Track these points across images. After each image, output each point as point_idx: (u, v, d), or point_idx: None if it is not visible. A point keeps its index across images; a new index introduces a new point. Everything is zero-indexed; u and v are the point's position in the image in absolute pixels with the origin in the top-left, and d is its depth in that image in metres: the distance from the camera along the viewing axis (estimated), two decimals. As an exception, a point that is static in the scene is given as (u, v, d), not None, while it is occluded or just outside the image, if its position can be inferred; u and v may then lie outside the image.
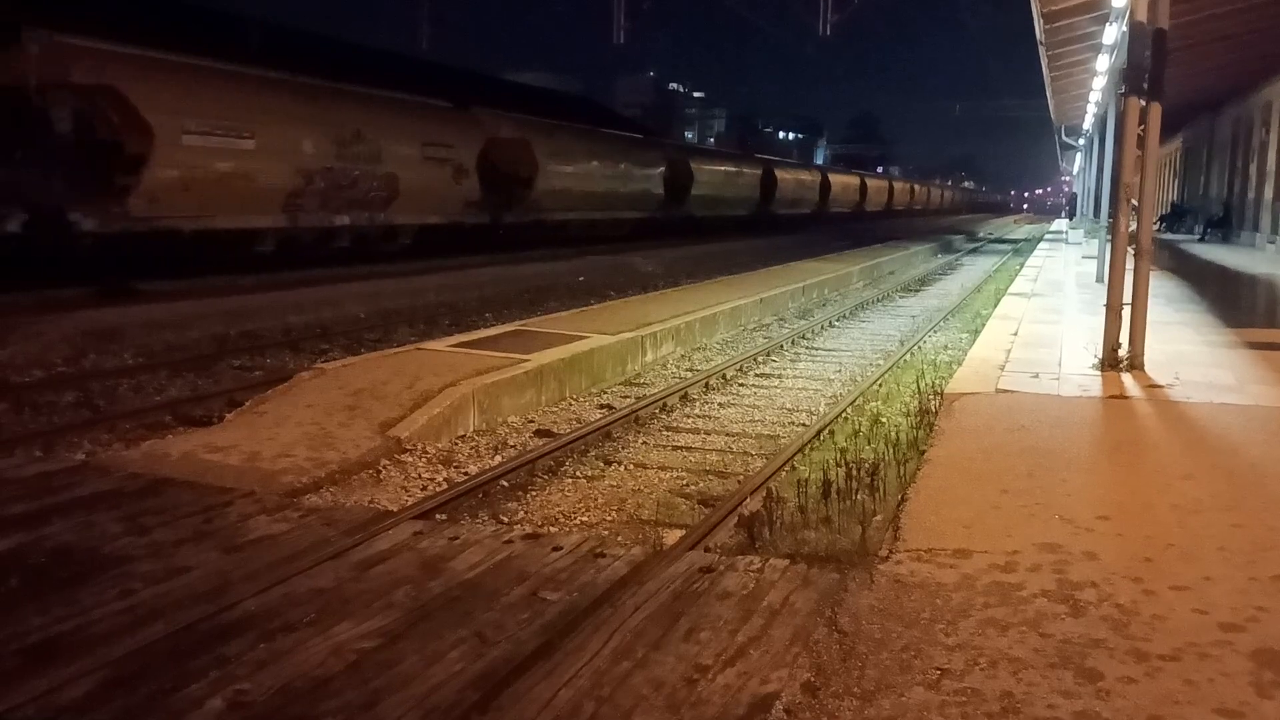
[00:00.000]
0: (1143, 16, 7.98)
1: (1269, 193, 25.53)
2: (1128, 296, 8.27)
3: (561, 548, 4.54)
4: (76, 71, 14.26)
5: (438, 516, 5.36)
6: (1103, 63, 17.61)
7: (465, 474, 6.46)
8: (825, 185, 52.69)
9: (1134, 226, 8.48)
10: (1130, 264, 8.36)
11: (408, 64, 31.95)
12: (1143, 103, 8.06)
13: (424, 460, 6.64)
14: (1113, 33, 14.35)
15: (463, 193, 22.06)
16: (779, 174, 43.50)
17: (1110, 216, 9.94)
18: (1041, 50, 17.65)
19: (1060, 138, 40.10)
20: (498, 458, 6.92)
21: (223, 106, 16.33)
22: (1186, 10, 14.03)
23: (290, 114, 17.78)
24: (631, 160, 31.14)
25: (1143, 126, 8.18)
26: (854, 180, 61.66)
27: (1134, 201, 8.52)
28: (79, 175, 14.16)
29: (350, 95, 19.72)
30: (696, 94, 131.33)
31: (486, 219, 23.10)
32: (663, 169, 32.60)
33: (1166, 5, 7.89)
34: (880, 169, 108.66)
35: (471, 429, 7.50)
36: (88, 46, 14.62)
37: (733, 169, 38.35)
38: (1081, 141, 35.62)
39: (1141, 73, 8.01)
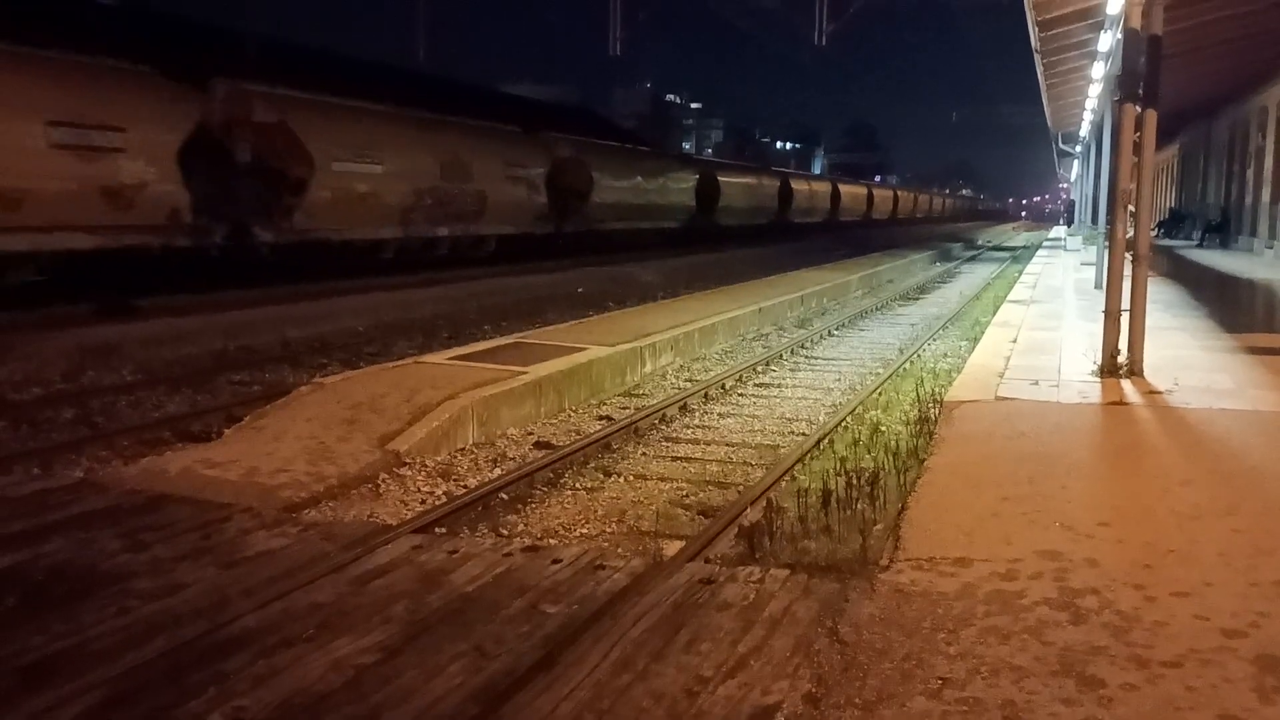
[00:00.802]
0: (1137, 24, 8.01)
1: (1266, 197, 25.56)
2: (1126, 302, 8.27)
3: (561, 560, 4.52)
4: (256, 112, 17.23)
5: (437, 530, 5.35)
6: (1098, 70, 17.65)
7: (464, 487, 6.46)
8: (836, 195, 55.05)
9: (1131, 232, 8.48)
10: (1128, 270, 8.36)
11: (469, 90, 37.60)
12: (1138, 109, 8.07)
13: (423, 474, 6.64)
14: (1108, 40, 14.39)
15: (535, 206, 25.39)
16: (794, 185, 46.50)
17: (1108, 223, 9.95)
18: (1037, 58, 17.67)
19: (1057, 145, 40.16)
20: (497, 470, 6.92)
21: (360, 138, 19.39)
22: (1180, 17, 14.06)
23: (407, 142, 20.81)
24: (669, 175, 34.61)
25: (1138, 133, 8.19)
26: (862, 190, 63.88)
27: (1131, 208, 8.53)
28: (259, 196, 17.13)
29: (450, 125, 23.02)
30: (694, 104, 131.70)
31: (551, 228, 26.49)
32: (695, 182, 35.71)
33: (1160, 12, 7.92)
34: (878, 177, 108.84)
35: (470, 442, 7.49)
36: (263, 91, 17.66)
37: (753, 181, 41.57)
38: (1079, 148, 35.67)
39: (1136, 79, 8.03)
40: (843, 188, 57.59)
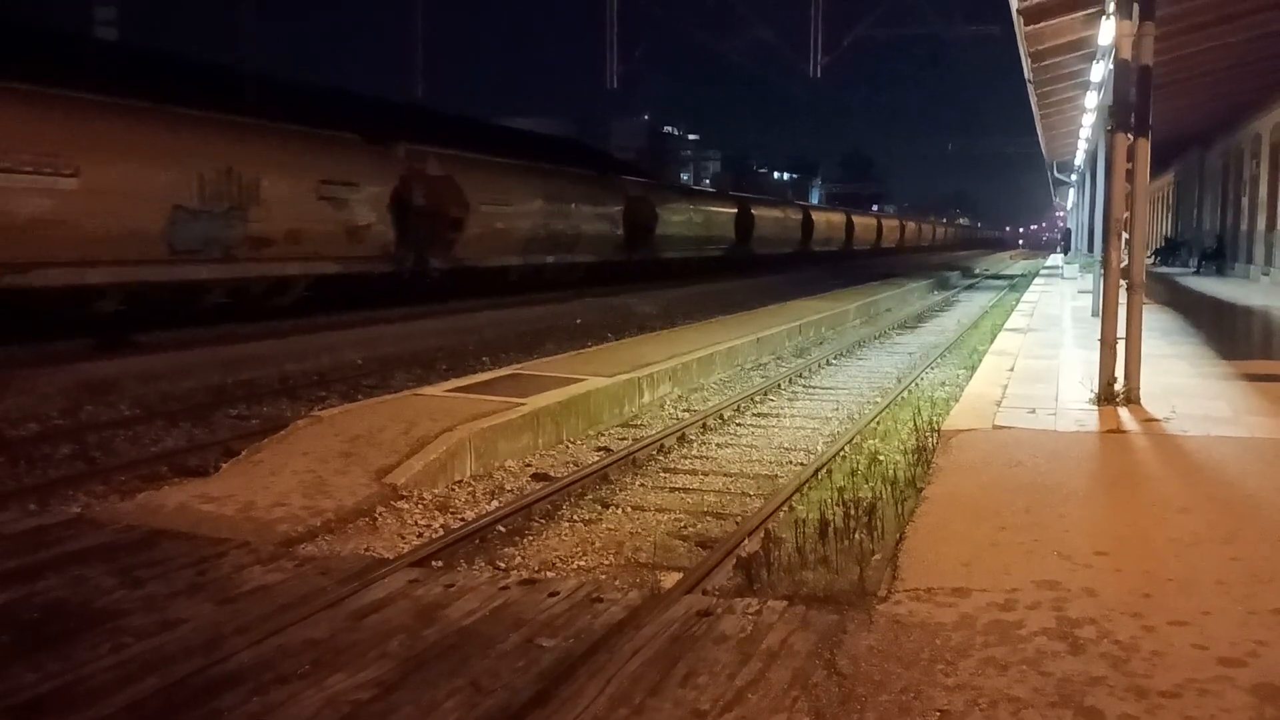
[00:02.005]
0: (1127, 55, 8.08)
1: (1262, 224, 25.68)
2: (1122, 331, 8.29)
3: (558, 593, 4.51)
4: (429, 167, 21.89)
5: (434, 564, 5.33)
6: (1091, 100, 17.76)
7: (462, 520, 6.44)
8: (850, 226, 60.54)
9: (1126, 260, 8.52)
10: (1124, 298, 8.39)
11: (558, 142, 46.71)
12: (1130, 139, 8.13)
13: (420, 507, 6.62)
14: (1100, 70, 14.50)
15: (614, 238, 30.93)
16: (815, 216, 53.04)
17: (1103, 251, 9.98)
18: (1030, 89, 17.81)
19: (1053, 173, 40.38)
20: (494, 503, 6.91)
21: (498, 185, 24.49)
22: (1171, 47, 14.19)
23: (528, 188, 26.07)
24: (713, 209, 40.21)
25: (1131, 162, 8.24)
26: (872, 221, 70.52)
27: (1125, 236, 8.57)
28: (432, 232, 21.66)
29: (553, 172, 28.37)
30: (691, 136, 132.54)
31: (625, 257, 31.70)
32: (734, 215, 41.04)
33: (1150, 44, 7.99)
34: (875, 207, 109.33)
35: (468, 474, 7.48)
36: (435, 151, 22.45)
37: (781, 214, 48.33)
38: (1074, 177, 35.86)
39: (1128, 109, 8.09)
40: (856, 219, 62.79)
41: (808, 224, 51.82)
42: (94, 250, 14.26)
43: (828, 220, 58.05)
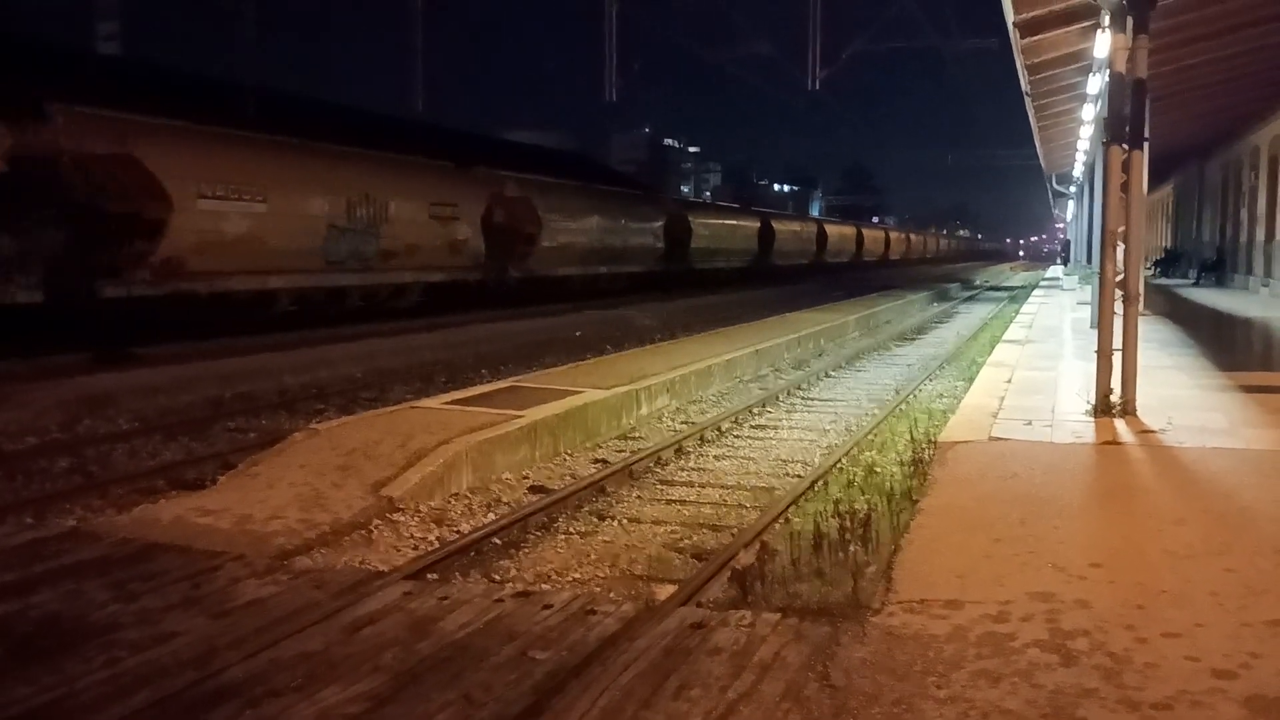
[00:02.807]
0: (1122, 68, 8.11)
1: (1261, 236, 25.71)
2: (1119, 342, 8.30)
3: (552, 605, 4.51)
4: (508, 189, 25.96)
5: (429, 576, 5.34)
6: (1089, 112, 17.81)
7: (458, 532, 6.44)
8: (860, 239, 64.10)
9: (1122, 272, 8.53)
10: (1121, 309, 8.40)
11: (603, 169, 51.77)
12: (1125, 151, 8.15)
13: (416, 519, 6.62)
14: (1096, 83, 14.54)
15: (656, 250, 35.40)
16: (828, 229, 56.39)
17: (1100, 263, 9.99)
18: (1028, 101, 17.83)
19: (1051, 185, 40.45)
20: (490, 515, 6.91)
21: (566, 204, 29.06)
22: (1167, 60, 14.24)
23: (588, 206, 30.71)
24: (739, 223, 44.04)
25: (1127, 174, 8.26)
26: (880, 234, 73.79)
27: (1123, 246, 8.59)
28: (511, 247, 25.70)
29: (606, 193, 33.67)
30: (691, 149, 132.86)
31: (664, 268, 35.90)
32: (757, 229, 44.63)
33: (1144, 56, 8.02)
34: (875, 219, 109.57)
35: (465, 486, 7.48)
36: (512, 175, 26.93)
37: (799, 227, 52.96)
38: (1073, 189, 35.93)
39: (1123, 122, 8.12)
40: (865, 232, 66.32)
41: (822, 237, 55.24)
42: (275, 261, 17.98)
43: (840, 233, 61.16)
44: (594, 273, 30.92)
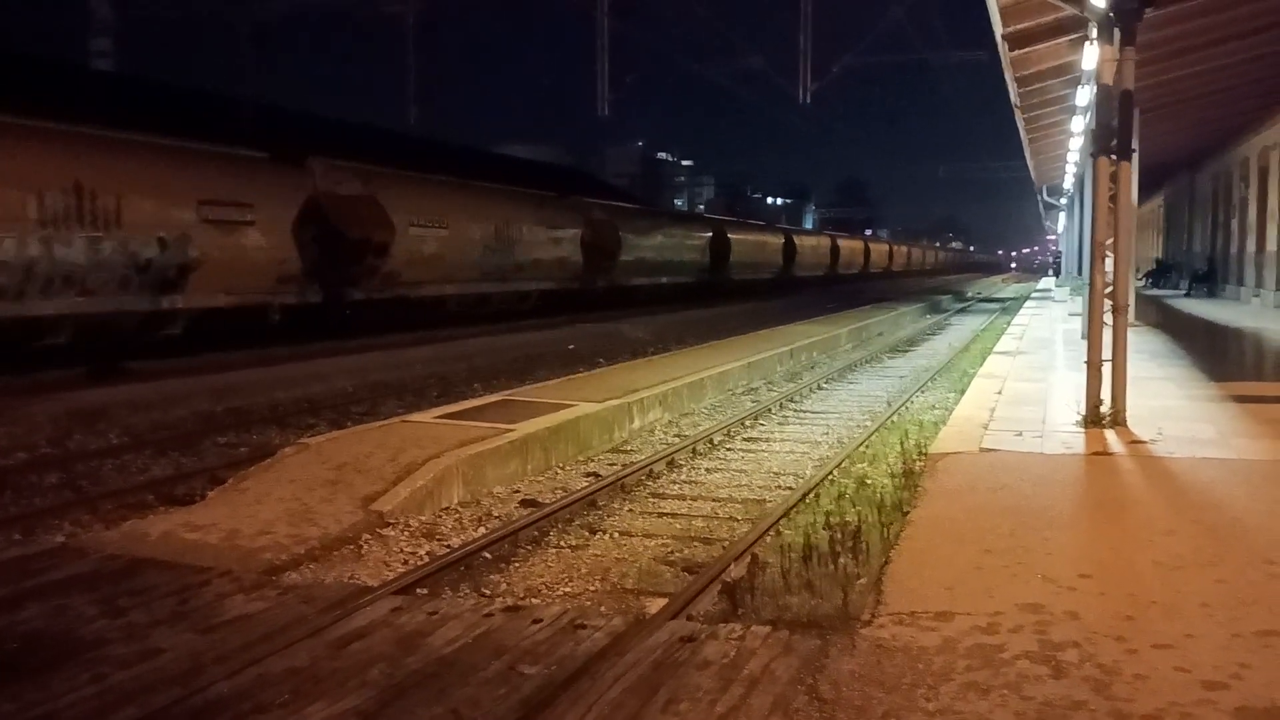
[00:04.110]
0: (1109, 80, 8.15)
1: (1251, 246, 25.82)
2: (1108, 353, 8.31)
3: (542, 620, 4.49)
4: (595, 214, 31.85)
5: (418, 591, 5.31)
6: (1078, 124, 17.93)
7: (448, 546, 6.42)
8: (867, 252, 68.73)
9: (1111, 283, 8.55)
10: (1110, 320, 8.42)
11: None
12: (1113, 163, 8.19)
13: (406, 534, 6.60)
14: (1085, 95, 14.63)
15: (702, 264, 40.11)
16: (841, 243, 61.39)
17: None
18: (1017, 113, 17.94)
19: (1042, 197, 40.65)
20: (481, 529, 6.88)
21: (638, 226, 34.67)
22: (1155, 72, 14.32)
23: (653, 226, 36.71)
24: (768, 239, 49.18)
25: (1115, 186, 8.29)
26: (884, 247, 78.94)
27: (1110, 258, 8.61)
28: (599, 262, 30.95)
29: (669, 214, 40.94)
30: (685, 162, 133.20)
31: (709, 278, 40.56)
32: (782, 244, 49.94)
33: (1131, 68, 8.06)
34: (869, 231, 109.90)
35: (456, 501, 7.46)
36: (599, 202, 33.96)
37: (815, 242, 57.70)
38: (1064, 200, 36.08)
39: (1110, 134, 8.17)
40: (871, 246, 71.17)
41: (835, 251, 59.65)
42: (450, 273, 23.68)
43: (850, 248, 65.45)
44: (657, 282, 36.58)
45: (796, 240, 52.17)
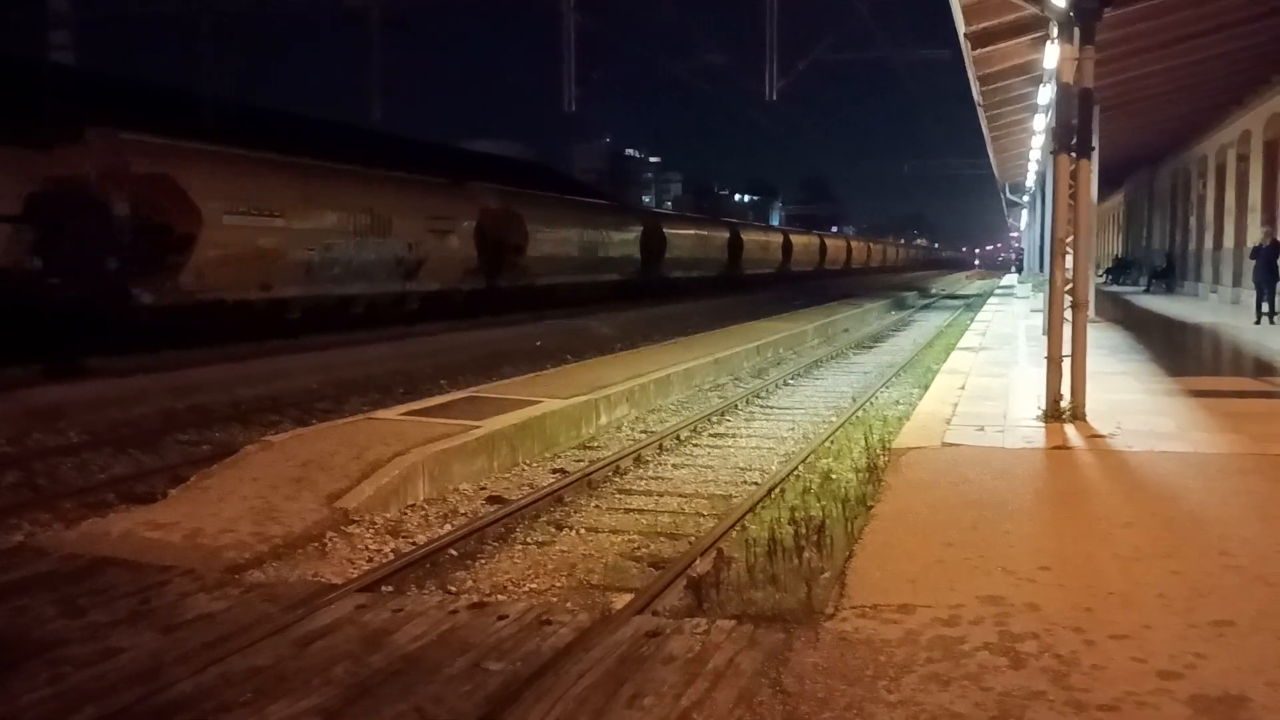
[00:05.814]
0: (1069, 78, 8.25)
1: (1209, 243, 26.23)
2: (1068, 348, 8.41)
3: (508, 616, 4.49)
4: (647, 217, 38.91)
5: (383, 588, 5.30)
6: (1039, 122, 18.10)
7: (413, 544, 6.40)
8: (849, 250, 74.58)
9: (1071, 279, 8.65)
10: (1070, 316, 8.52)
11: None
12: (1073, 160, 8.28)
13: (371, 531, 6.57)
14: (1046, 93, 14.78)
15: (725, 261, 45.59)
16: (827, 241, 67.21)
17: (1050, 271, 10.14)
18: (980, 111, 18.10)
19: (1005, 195, 41.03)
20: (447, 526, 6.87)
21: (681, 226, 42.16)
22: (1115, 70, 14.50)
23: (691, 226, 44.09)
24: (769, 236, 55.02)
25: (1074, 183, 8.39)
26: (842, 242, 79.00)
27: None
28: (652, 259, 37.02)
29: (699, 217, 44.43)
30: (653, 159, 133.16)
31: (729, 273, 45.92)
32: (781, 241, 55.39)
33: (1091, 67, 8.16)
34: (834, 228, 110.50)
35: (421, 498, 7.44)
36: (649, 209, 51.22)
37: (807, 239, 63.16)
38: (1026, 198, 36.44)
39: (1070, 131, 8.26)
40: (829, 242, 72.71)
41: (787, 247, 59.53)
42: (559, 268, 29.96)
43: (804, 244, 64.59)
44: (691, 276, 40.87)
45: (743, 235, 49.64)
